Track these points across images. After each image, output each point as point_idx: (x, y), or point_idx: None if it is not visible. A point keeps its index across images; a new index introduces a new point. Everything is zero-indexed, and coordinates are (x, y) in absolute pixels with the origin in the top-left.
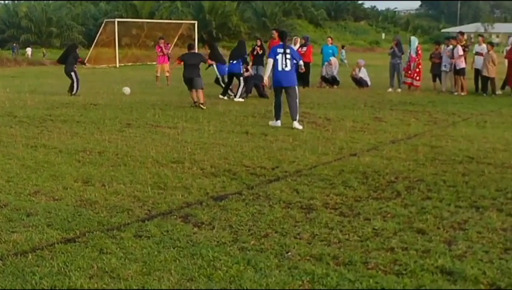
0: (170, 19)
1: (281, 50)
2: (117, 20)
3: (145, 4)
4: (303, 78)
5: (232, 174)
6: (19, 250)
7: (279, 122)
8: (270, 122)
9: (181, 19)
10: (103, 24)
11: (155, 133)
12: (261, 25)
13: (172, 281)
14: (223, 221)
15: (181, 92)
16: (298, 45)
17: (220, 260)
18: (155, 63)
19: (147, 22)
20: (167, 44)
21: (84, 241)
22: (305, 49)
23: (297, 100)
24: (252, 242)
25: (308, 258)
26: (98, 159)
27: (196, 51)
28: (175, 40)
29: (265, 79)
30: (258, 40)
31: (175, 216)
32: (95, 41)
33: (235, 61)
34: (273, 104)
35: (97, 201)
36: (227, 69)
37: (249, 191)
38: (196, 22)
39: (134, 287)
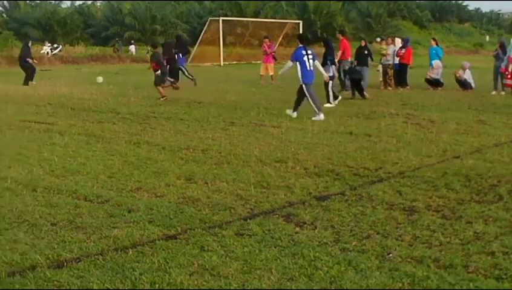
0: (275, 18)
1: (304, 52)
2: (221, 18)
3: (250, 3)
4: (400, 79)
5: (335, 175)
6: (119, 246)
7: (322, 116)
8: (315, 117)
9: (286, 19)
10: (207, 22)
11: (259, 132)
12: (365, 25)
13: (272, 280)
14: (325, 221)
15: (286, 91)
16: (398, 46)
17: (321, 260)
18: (259, 61)
19: (252, 21)
20: (272, 43)
21: (185, 238)
22: (404, 51)
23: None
24: (354, 243)
25: (409, 260)
26: (201, 156)
27: None
28: (280, 39)
29: (280, 73)
30: (363, 41)
31: (277, 215)
32: (199, 39)
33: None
34: (311, 99)
35: (199, 198)
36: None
37: (352, 192)
38: (301, 22)
39: (234, 286)
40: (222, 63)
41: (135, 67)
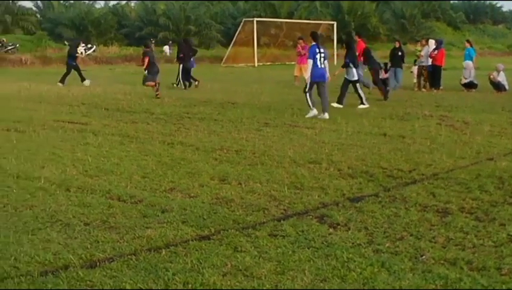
0: (309, 19)
1: (317, 50)
2: (255, 19)
3: (284, 3)
4: (433, 81)
5: (368, 176)
6: (152, 246)
7: (315, 111)
8: (308, 115)
9: (320, 19)
10: (241, 23)
11: (293, 133)
12: (399, 26)
13: (305, 281)
14: (358, 222)
15: None
16: (432, 47)
17: (354, 261)
18: (294, 62)
19: (286, 22)
20: (306, 44)
21: (219, 238)
22: (436, 52)
23: (327, 94)
24: (387, 244)
25: (442, 262)
26: (235, 157)
27: None
28: None
29: (307, 77)
30: (397, 42)
31: (311, 216)
32: (233, 40)
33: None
34: (309, 95)
35: (233, 199)
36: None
37: (386, 193)
38: (335, 23)
39: (267, 286)
40: (256, 64)
41: (169, 68)
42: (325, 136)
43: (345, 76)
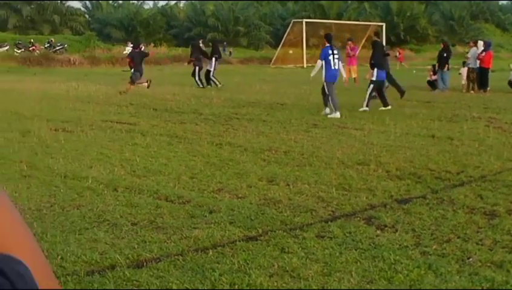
0: (358, 20)
1: (331, 51)
2: (305, 20)
3: (333, 4)
4: (481, 82)
5: (416, 178)
6: (199, 246)
7: (338, 114)
8: (331, 115)
9: (369, 21)
10: (290, 24)
11: (342, 134)
12: (448, 28)
13: (352, 283)
14: (405, 224)
15: None
16: (480, 49)
17: (401, 263)
18: (343, 64)
19: (335, 23)
20: (355, 46)
21: (266, 239)
22: (484, 54)
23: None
24: (434, 247)
25: (489, 264)
26: (283, 158)
27: None
28: (363, 41)
29: (312, 75)
30: (443, 44)
31: (358, 218)
32: (282, 41)
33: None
34: (330, 98)
35: (280, 200)
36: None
37: (433, 195)
38: (384, 24)
39: (314, 288)
40: (305, 65)
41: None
42: (373, 137)
43: (372, 78)
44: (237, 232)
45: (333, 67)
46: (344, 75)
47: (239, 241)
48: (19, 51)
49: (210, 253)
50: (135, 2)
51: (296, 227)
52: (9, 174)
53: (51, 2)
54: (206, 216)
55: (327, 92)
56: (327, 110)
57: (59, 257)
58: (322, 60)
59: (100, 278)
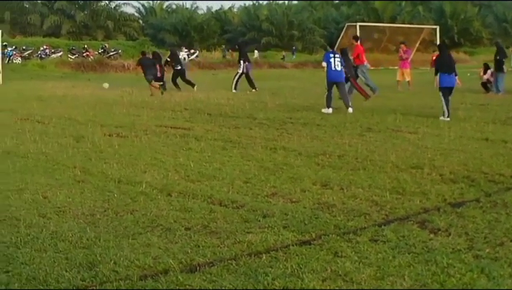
0: (412, 24)
1: (332, 55)
2: (358, 24)
3: (387, 8)
4: None
5: (470, 181)
6: (253, 251)
7: (330, 110)
8: (323, 110)
9: (423, 24)
10: (344, 28)
11: (396, 138)
12: (502, 30)
13: (404, 287)
14: (459, 228)
15: (423, 96)
16: None
17: (454, 267)
18: (396, 67)
19: (389, 26)
20: (409, 49)
21: (319, 244)
22: None
23: (346, 92)
24: (487, 250)
25: None
26: (337, 162)
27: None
28: (417, 45)
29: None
30: (498, 46)
31: (412, 222)
32: (336, 45)
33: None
34: (327, 94)
35: (334, 204)
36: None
37: (487, 199)
38: (437, 27)
39: None
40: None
41: (273, 73)
42: (427, 141)
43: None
44: (291, 237)
45: (333, 69)
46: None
47: (293, 245)
48: (73, 57)
49: (264, 257)
50: (189, 7)
51: (350, 231)
52: (63, 180)
53: (105, 8)
54: (259, 221)
55: (326, 89)
56: (327, 110)
57: (112, 261)
58: (326, 63)
59: (153, 282)
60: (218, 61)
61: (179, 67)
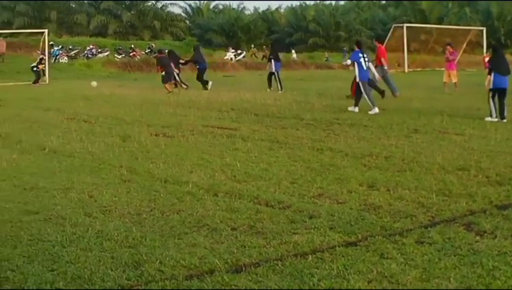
0: (458, 25)
1: (361, 55)
2: (405, 25)
3: (434, 9)
4: None
5: None
6: (299, 251)
7: (377, 109)
8: (370, 112)
9: (470, 25)
10: (391, 29)
11: (442, 140)
12: None
13: (450, 289)
14: (505, 230)
15: (470, 98)
16: None
17: (500, 269)
18: (443, 69)
19: (436, 28)
20: (455, 50)
21: (365, 245)
22: None
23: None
24: None
25: None
26: (384, 163)
27: None
28: (464, 46)
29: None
30: None
31: (458, 224)
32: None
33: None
34: (366, 95)
35: (381, 206)
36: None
37: None
38: (484, 29)
39: None
40: (406, 70)
41: (320, 74)
42: (474, 142)
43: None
44: (337, 238)
45: (365, 69)
46: (377, 75)
47: (339, 246)
48: (120, 57)
49: (310, 258)
50: (236, 7)
51: (396, 233)
52: (109, 179)
53: (152, 8)
54: (305, 221)
55: (362, 91)
56: (356, 108)
57: (158, 261)
58: (356, 62)
59: (198, 282)
60: (265, 62)
61: (202, 65)
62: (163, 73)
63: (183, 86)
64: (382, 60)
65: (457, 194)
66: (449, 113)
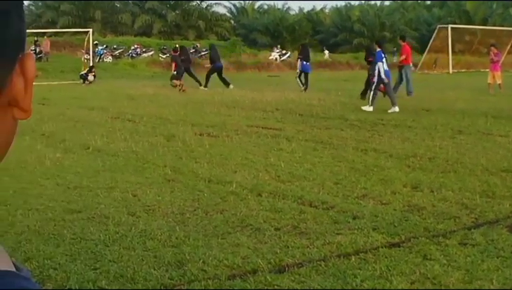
0: (503, 26)
1: (383, 55)
2: (450, 26)
3: (478, 10)
4: None
5: None
6: (342, 252)
7: (397, 108)
8: (390, 110)
9: None
10: (436, 30)
11: (486, 141)
12: None
13: None
14: None
15: None
16: None
17: None
18: (488, 70)
19: (480, 29)
20: (499, 52)
21: (408, 246)
22: None
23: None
24: None
25: None
26: (428, 164)
27: None
28: (508, 47)
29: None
30: None
31: (501, 225)
32: (428, 47)
33: None
34: (374, 93)
35: (424, 207)
36: None
37: None
38: None
39: None
40: (451, 71)
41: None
42: None
43: None
44: (380, 239)
45: (386, 68)
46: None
47: (382, 247)
48: (164, 56)
49: (353, 259)
50: (280, 8)
51: (439, 234)
52: (153, 178)
53: (196, 8)
54: (349, 222)
55: (373, 87)
56: (396, 108)
57: (201, 260)
58: (379, 62)
59: (241, 282)
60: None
61: (217, 65)
62: (174, 71)
63: (200, 83)
64: (407, 57)
65: (501, 195)
66: (494, 115)
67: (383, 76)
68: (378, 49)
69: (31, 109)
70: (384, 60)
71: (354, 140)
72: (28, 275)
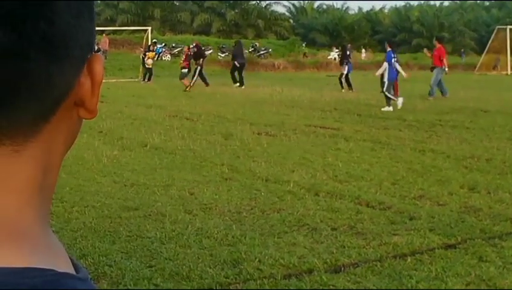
0: None
1: (393, 55)
2: (509, 27)
3: None
4: None
5: None
6: (398, 253)
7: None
8: (384, 108)
9: None
10: (495, 31)
11: None
12: None
13: None
14: None
15: None
16: None
17: None
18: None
19: None
20: None
21: (464, 248)
22: None
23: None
24: None
25: None
26: (485, 166)
27: None
28: None
29: (377, 74)
30: None
31: None
32: (486, 48)
33: None
34: (389, 93)
35: (481, 208)
36: None
37: None
38: None
39: None
40: (510, 72)
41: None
42: None
43: None
44: (436, 240)
45: (394, 69)
46: (404, 74)
47: (438, 248)
48: (223, 55)
49: (409, 260)
50: (340, 7)
51: (495, 236)
52: (210, 176)
53: (256, 7)
54: (406, 223)
55: (385, 88)
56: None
57: (257, 259)
58: (387, 62)
59: (297, 282)
60: (369, 62)
61: (240, 61)
62: (185, 70)
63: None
64: (441, 58)
65: None
66: None
67: (386, 76)
68: (389, 49)
69: (97, 110)
70: (393, 60)
71: (412, 140)
72: (85, 275)
